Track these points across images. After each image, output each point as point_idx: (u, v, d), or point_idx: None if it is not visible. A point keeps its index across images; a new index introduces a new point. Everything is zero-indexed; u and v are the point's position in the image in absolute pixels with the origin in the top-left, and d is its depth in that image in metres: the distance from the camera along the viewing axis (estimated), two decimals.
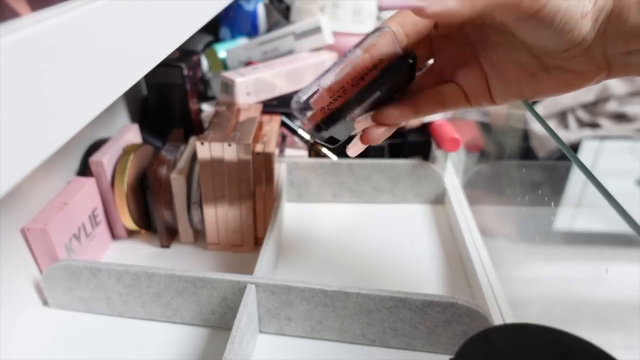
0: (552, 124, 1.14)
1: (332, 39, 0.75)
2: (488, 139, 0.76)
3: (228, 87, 0.63)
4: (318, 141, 0.31)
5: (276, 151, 0.56)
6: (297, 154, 0.69)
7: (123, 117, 0.66)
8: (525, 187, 0.57)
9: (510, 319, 0.45)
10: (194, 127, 0.67)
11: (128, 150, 0.55)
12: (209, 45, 0.83)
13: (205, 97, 0.74)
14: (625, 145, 1.06)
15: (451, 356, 0.29)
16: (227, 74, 0.63)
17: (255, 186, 0.52)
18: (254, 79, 0.63)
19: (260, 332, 0.46)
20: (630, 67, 0.27)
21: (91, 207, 0.52)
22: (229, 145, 0.48)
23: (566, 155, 0.37)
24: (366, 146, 0.34)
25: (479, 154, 0.76)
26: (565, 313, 0.47)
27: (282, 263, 0.55)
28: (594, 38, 0.26)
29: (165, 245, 0.57)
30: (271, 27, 0.93)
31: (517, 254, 0.57)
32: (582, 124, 1.11)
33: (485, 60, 0.31)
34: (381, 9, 0.26)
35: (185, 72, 0.62)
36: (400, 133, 0.66)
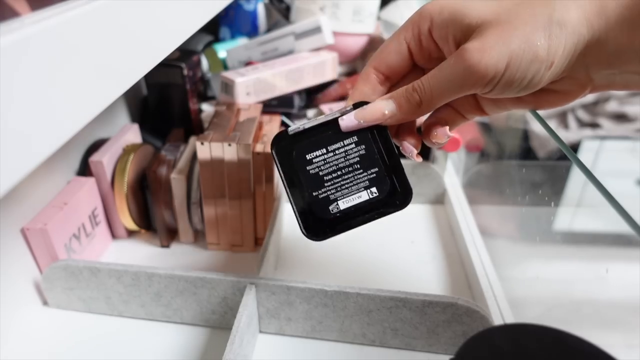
0: (552, 124, 1.14)
1: (332, 39, 0.74)
2: (488, 139, 0.75)
3: (228, 87, 0.63)
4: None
5: None
6: None
7: (123, 117, 0.66)
8: (525, 187, 0.57)
9: (510, 319, 0.45)
10: (194, 127, 0.67)
11: (128, 150, 0.55)
12: (209, 45, 0.83)
13: (205, 97, 0.74)
14: (625, 145, 1.06)
15: (451, 356, 0.29)
16: (227, 74, 0.63)
17: (255, 186, 0.52)
18: (254, 79, 0.63)
19: (260, 332, 0.46)
20: (614, 83, 0.27)
21: (91, 207, 0.52)
22: (229, 145, 0.48)
23: (566, 155, 0.37)
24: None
25: (479, 154, 0.76)
26: (565, 313, 0.47)
27: (282, 263, 0.55)
28: (575, 65, 0.26)
29: (165, 245, 0.57)
30: (271, 27, 0.92)
31: (517, 254, 0.57)
32: (582, 124, 1.11)
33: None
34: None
35: (185, 72, 0.62)
36: None
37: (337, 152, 0.32)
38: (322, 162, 0.31)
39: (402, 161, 0.32)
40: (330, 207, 0.31)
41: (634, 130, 1.07)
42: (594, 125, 1.10)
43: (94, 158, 0.52)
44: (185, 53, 0.65)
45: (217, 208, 0.53)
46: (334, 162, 0.31)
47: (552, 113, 1.14)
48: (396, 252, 0.57)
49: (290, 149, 0.32)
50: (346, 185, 0.31)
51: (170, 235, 0.57)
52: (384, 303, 0.42)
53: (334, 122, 0.31)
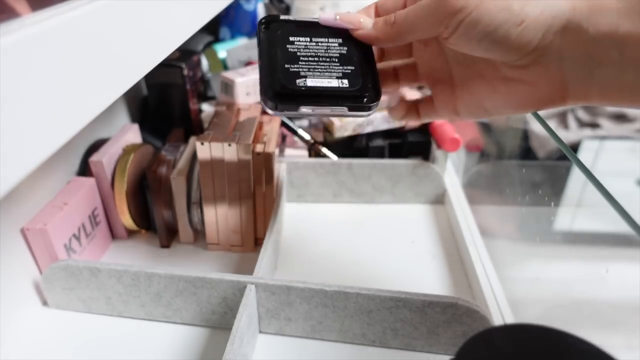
0: (552, 124, 1.14)
1: None
2: (488, 139, 0.75)
3: (228, 87, 0.63)
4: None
5: (276, 151, 0.56)
6: (297, 154, 0.69)
7: (123, 117, 0.66)
8: (525, 187, 0.57)
9: (510, 319, 0.45)
10: (194, 127, 0.67)
11: (128, 150, 0.55)
12: (209, 45, 0.83)
13: (205, 97, 0.74)
14: (625, 145, 1.06)
15: (451, 356, 0.29)
16: (227, 74, 0.63)
17: (255, 186, 0.52)
18: (254, 79, 0.63)
19: (260, 332, 0.46)
20: (589, 89, 0.26)
21: (91, 207, 0.52)
22: (229, 145, 0.48)
23: (566, 155, 0.37)
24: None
25: (479, 154, 0.76)
26: (565, 313, 0.47)
27: (282, 263, 0.55)
28: (549, 47, 0.26)
29: (165, 245, 0.57)
30: None
31: (517, 254, 0.57)
32: (582, 124, 1.11)
33: (454, 66, 0.33)
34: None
35: (185, 72, 0.62)
36: (400, 133, 0.66)
37: (319, 43, 0.32)
38: (303, 46, 0.32)
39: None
40: (298, 80, 0.31)
41: (634, 130, 1.07)
42: (594, 125, 1.10)
43: (94, 158, 0.52)
44: (185, 53, 0.65)
45: (217, 208, 0.53)
46: (313, 50, 0.32)
47: (552, 113, 1.14)
48: (396, 252, 0.57)
49: (277, 28, 0.33)
50: (319, 69, 0.31)
51: (170, 235, 0.57)
52: (384, 303, 0.42)
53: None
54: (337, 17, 0.32)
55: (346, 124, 0.63)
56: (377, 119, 0.63)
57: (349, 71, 0.31)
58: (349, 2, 0.79)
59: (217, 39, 0.89)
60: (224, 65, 0.80)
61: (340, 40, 0.32)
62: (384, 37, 0.31)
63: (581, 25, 0.25)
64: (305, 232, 0.60)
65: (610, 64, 0.25)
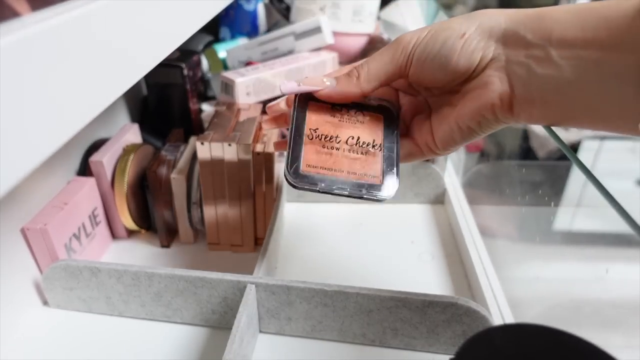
0: None
1: (332, 39, 0.74)
2: (488, 139, 0.76)
3: (228, 87, 0.63)
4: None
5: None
6: None
7: (123, 117, 0.66)
8: (525, 187, 0.57)
9: (510, 319, 0.45)
10: (194, 127, 0.67)
11: (128, 150, 0.55)
12: (209, 45, 0.83)
13: (205, 97, 0.74)
14: (625, 145, 1.06)
15: (451, 356, 0.29)
16: (227, 74, 0.63)
17: (255, 186, 0.52)
18: (254, 79, 0.63)
19: (260, 332, 0.46)
20: (532, 96, 0.28)
21: (91, 207, 0.52)
22: (229, 145, 0.48)
23: (566, 155, 0.37)
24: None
25: (479, 154, 0.76)
26: (565, 313, 0.47)
27: (282, 263, 0.55)
28: (497, 53, 0.28)
29: (165, 245, 0.57)
30: (271, 27, 0.93)
31: (517, 254, 0.57)
32: None
33: (431, 100, 0.35)
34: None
35: (185, 72, 0.62)
36: None
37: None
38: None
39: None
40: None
41: None
42: None
43: (94, 158, 0.52)
44: (185, 53, 0.65)
45: (217, 208, 0.53)
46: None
47: None
48: (396, 252, 0.57)
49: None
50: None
51: (170, 235, 0.57)
52: (384, 303, 0.42)
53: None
54: (300, 84, 0.33)
55: None
56: None
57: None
58: (349, 3, 0.79)
59: (217, 39, 0.89)
60: (224, 65, 0.80)
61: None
62: (350, 89, 0.32)
63: (518, 32, 0.28)
64: (305, 232, 0.60)
65: (548, 64, 0.27)
